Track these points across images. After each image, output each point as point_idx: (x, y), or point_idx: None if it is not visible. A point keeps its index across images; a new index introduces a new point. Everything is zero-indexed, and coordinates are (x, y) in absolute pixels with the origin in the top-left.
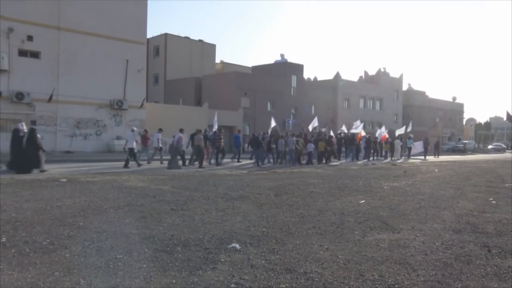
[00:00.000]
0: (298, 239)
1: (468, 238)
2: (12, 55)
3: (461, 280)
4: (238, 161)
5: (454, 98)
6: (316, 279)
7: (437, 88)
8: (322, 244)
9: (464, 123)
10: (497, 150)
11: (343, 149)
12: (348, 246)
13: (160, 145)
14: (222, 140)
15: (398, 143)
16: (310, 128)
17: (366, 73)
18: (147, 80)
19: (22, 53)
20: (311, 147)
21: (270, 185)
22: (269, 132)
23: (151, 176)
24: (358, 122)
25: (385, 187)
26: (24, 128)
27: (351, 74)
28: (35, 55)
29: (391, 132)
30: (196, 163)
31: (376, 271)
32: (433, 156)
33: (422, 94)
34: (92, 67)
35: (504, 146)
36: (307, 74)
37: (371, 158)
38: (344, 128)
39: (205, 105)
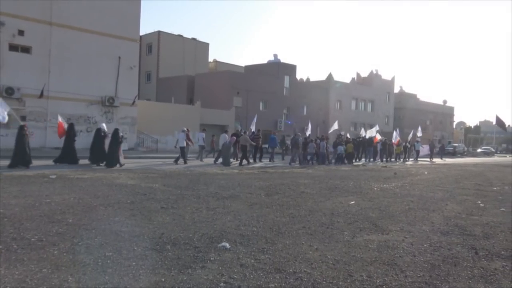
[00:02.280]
0: (288, 239)
1: (456, 240)
2: (2, 49)
3: (448, 282)
4: (272, 161)
5: (444, 102)
6: (305, 279)
7: (428, 91)
8: (312, 244)
9: (454, 126)
10: (486, 153)
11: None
12: (338, 246)
13: (204, 144)
14: (260, 139)
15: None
16: (330, 131)
17: (358, 74)
18: (139, 77)
19: (13, 47)
20: (340, 149)
21: (261, 184)
22: (309, 136)
23: (142, 174)
24: (377, 127)
25: (375, 189)
26: (105, 128)
27: (344, 76)
28: (26, 50)
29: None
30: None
31: (365, 271)
32: (439, 159)
33: (413, 97)
34: (84, 63)
35: (493, 149)
36: (300, 74)
37: (386, 160)
38: (362, 132)
39: (197, 104)
